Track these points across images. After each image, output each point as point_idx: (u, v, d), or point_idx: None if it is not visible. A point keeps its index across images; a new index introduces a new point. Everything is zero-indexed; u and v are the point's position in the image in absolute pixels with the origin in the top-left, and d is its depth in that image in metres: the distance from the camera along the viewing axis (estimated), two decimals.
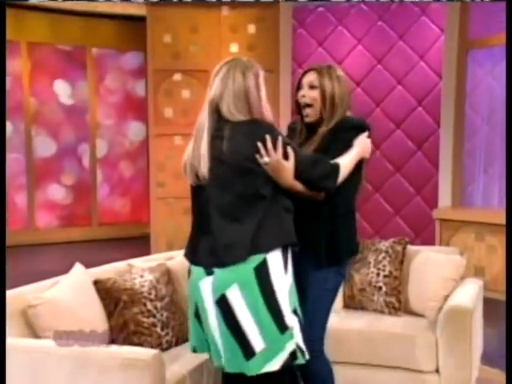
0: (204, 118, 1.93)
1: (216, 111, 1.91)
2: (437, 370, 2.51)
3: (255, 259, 1.82)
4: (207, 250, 1.88)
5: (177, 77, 5.87)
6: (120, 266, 2.57)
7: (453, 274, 2.73)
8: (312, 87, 2.10)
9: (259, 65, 1.99)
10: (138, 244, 6.39)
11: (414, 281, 2.82)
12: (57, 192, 6.79)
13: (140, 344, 2.21)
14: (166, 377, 1.96)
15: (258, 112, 1.90)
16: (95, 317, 2.23)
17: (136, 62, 6.98)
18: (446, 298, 2.68)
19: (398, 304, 2.80)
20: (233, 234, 1.83)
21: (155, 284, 2.41)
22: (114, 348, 1.96)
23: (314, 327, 2.03)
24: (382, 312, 2.81)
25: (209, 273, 1.88)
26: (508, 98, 2.40)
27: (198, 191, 1.93)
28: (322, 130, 2.08)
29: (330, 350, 2.16)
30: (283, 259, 1.86)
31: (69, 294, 2.19)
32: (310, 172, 1.94)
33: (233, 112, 1.88)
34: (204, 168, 1.88)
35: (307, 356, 1.89)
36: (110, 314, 2.28)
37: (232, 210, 1.85)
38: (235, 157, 1.85)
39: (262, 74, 1.95)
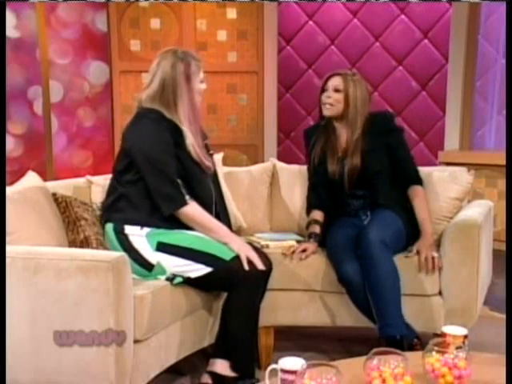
0: None
1: None
2: (440, 293, 2.57)
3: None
4: None
5: (144, 3, 5.82)
6: (78, 181, 2.63)
7: (457, 193, 2.80)
8: (337, 91, 2.75)
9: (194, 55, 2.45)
10: None
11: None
12: None
13: None
14: (131, 284, 2.01)
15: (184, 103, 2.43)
16: (52, 221, 2.28)
17: None
18: (450, 220, 2.75)
19: None
20: None
21: None
22: (73, 250, 1.99)
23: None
24: None
25: None
26: (508, 98, 2.52)
27: None
28: (347, 127, 2.78)
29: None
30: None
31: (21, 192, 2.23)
32: None
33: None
34: None
35: (191, 275, 2.33)
36: (68, 228, 2.31)
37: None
38: None
39: (194, 63, 2.44)
